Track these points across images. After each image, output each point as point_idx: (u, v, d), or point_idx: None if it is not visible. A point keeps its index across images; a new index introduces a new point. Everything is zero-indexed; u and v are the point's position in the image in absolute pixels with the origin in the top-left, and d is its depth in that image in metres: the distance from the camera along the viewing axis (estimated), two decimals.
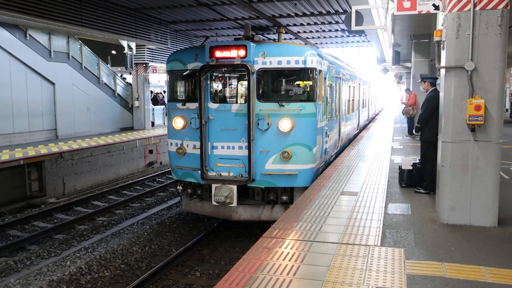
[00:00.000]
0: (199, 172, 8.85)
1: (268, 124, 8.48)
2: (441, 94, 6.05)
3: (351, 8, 9.94)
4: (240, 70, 8.79)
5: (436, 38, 5.96)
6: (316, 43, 25.85)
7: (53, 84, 17.21)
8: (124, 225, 10.80)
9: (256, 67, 8.52)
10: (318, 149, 8.98)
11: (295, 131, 8.43)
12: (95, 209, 12.23)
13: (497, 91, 5.51)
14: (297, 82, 8.85)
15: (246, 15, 17.90)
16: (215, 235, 9.73)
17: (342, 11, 17.17)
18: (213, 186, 8.57)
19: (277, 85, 9.01)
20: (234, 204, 8.46)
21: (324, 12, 17.45)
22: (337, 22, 19.66)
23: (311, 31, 22.13)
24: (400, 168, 8.31)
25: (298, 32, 22.06)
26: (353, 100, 15.32)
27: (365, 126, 21.45)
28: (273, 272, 4.33)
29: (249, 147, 8.48)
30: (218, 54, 8.49)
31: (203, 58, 8.72)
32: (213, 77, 9.09)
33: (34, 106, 16.39)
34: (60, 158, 13.67)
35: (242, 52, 8.41)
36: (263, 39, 10.82)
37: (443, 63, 5.84)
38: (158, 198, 13.52)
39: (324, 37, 23.98)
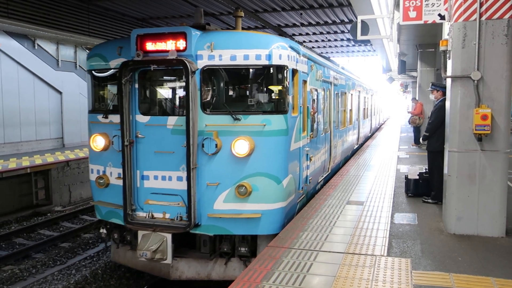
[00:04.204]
0: None
1: (217, 145, 5.98)
2: (447, 104, 6.04)
3: (356, 18, 9.97)
4: (178, 68, 6.12)
5: (442, 48, 5.97)
6: (321, 53, 25.95)
7: (60, 93, 17.41)
8: None
9: (200, 64, 6.05)
10: (292, 180, 6.52)
11: (256, 156, 5.99)
12: None
13: (503, 100, 5.51)
14: (260, 86, 6.37)
15: (252, 25, 18.06)
16: None
17: (347, 20, 17.29)
18: (140, 233, 6.19)
19: (230, 90, 6.72)
20: (168, 260, 6.10)
21: (330, 21, 17.58)
22: (342, 32, 19.80)
23: (316, 41, 22.29)
24: (406, 177, 8.28)
25: (304, 41, 22.17)
26: (351, 110, 13.25)
27: (367, 139, 19.60)
28: (278, 281, 4.31)
29: (188, 179, 5.97)
30: (149, 46, 6.11)
31: (129, 52, 6.26)
32: (145, 79, 6.61)
33: (41, 114, 16.58)
34: (66, 166, 13.74)
35: (181, 44, 5.99)
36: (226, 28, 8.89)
37: (449, 72, 5.84)
38: None
39: (330, 46, 24.13)
